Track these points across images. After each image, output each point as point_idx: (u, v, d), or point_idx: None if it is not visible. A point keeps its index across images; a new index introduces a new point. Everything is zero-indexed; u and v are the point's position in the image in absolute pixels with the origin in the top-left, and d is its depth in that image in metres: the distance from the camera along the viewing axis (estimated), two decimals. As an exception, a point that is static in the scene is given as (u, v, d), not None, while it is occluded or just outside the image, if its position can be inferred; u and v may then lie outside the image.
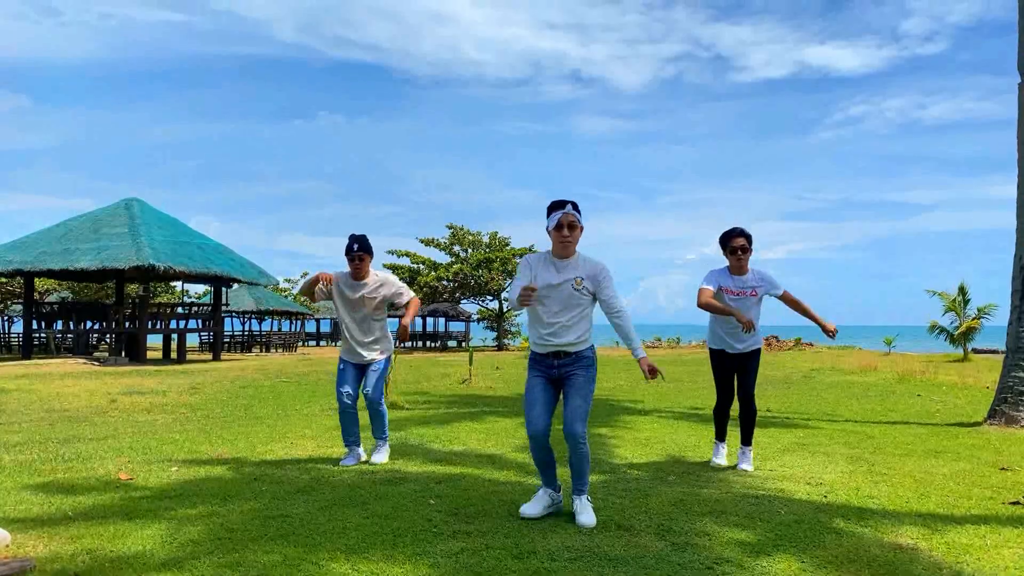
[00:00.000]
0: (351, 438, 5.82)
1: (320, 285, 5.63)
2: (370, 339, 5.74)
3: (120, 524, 4.00)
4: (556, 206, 4.14)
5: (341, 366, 5.81)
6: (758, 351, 5.72)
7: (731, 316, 5.45)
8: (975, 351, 27.92)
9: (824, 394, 12.10)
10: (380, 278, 5.77)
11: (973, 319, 27.06)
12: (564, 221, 4.10)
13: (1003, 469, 5.78)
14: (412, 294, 5.89)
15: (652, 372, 4.14)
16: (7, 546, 3.57)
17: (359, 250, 5.59)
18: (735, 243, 5.54)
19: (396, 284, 5.81)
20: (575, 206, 4.14)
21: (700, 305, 5.52)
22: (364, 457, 5.90)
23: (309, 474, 5.43)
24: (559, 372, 4.18)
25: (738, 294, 5.57)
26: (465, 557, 3.52)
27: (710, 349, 5.85)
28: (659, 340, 45.91)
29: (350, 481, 5.18)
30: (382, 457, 5.87)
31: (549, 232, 4.15)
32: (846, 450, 6.60)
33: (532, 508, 4.23)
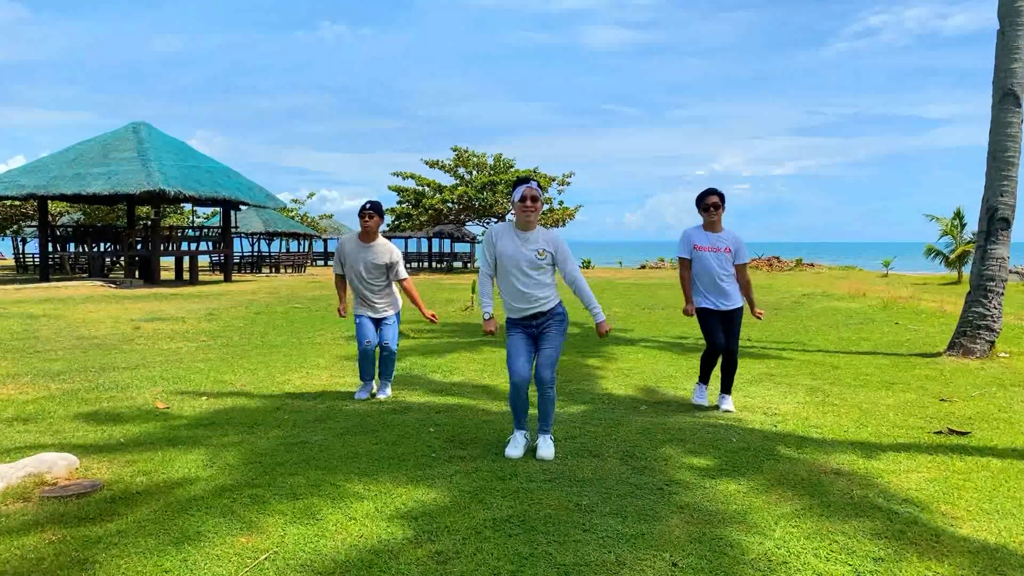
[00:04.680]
0: (367, 375, 6.45)
1: (340, 307, 6.46)
2: (380, 295, 6.28)
3: (166, 450, 4.71)
4: (520, 181, 4.68)
5: (358, 320, 6.35)
6: (740, 309, 6.06)
7: (710, 276, 5.91)
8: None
9: (807, 322, 12.76)
10: (387, 246, 6.28)
11: (968, 243, 27.50)
12: (528, 194, 4.61)
13: (943, 400, 6.44)
14: (407, 275, 6.36)
15: (603, 335, 4.85)
16: (76, 469, 4.28)
17: (370, 208, 6.13)
18: (708, 200, 5.95)
19: (398, 256, 6.28)
20: (537, 183, 4.75)
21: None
22: (374, 390, 6.56)
23: (324, 404, 6.14)
24: (537, 330, 4.75)
25: (711, 249, 5.95)
26: (458, 479, 4.22)
27: (697, 309, 6.06)
28: (662, 260, 46.50)
29: (361, 411, 5.89)
30: (387, 393, 6.50)
31: (514, 204, 4.70)
32: (808, 381, 7.28)
33: (515, 451, 4.76)
